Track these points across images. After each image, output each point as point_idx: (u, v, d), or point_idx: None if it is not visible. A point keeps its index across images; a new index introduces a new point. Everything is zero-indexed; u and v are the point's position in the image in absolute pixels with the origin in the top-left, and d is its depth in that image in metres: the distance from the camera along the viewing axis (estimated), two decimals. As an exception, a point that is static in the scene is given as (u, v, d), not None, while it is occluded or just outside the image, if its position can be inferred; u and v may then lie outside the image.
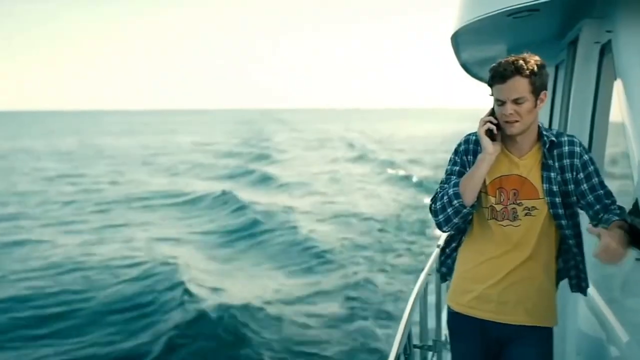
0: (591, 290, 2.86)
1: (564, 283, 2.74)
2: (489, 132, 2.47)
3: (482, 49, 5.12)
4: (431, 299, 4.39)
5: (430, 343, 4.10)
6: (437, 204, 2.57)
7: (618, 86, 2.64)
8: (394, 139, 71.50)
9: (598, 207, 2.43)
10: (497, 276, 2.57)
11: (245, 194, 24.68)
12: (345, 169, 37.18)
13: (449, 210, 2.52)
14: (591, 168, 2.47)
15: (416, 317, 3.85)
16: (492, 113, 2.49)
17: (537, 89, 2.40)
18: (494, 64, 2.44)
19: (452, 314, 2.75)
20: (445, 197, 2.53)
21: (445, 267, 2.83)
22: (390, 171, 35.20)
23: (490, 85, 2.46)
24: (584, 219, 2.61)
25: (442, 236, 4.76)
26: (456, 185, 2.53)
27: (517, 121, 2.40)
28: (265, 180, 31.24)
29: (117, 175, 34.27)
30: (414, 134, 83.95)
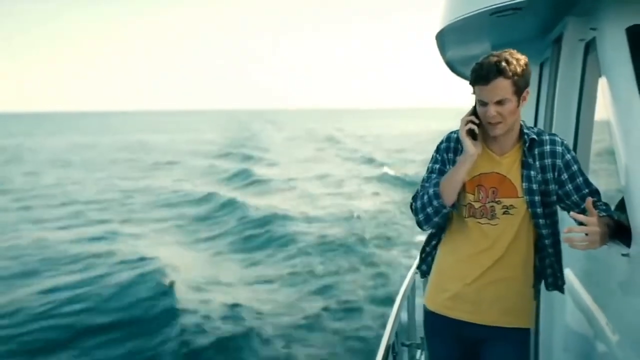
0: (578, 286, 2.87)
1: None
2: (471, 132, 2.45)
3: (467, 48, 5.12)
4: (418, 297, 4.41)
5: (418, 341, 4.10)
6: (418, 203, 2.56)
7: (603, 83, 2.64)
8: (386, 137, 71.78)
9: (584, 206, 2.44)
10: (474, 275, 2.56)
11: (239, 195, 24.66)
12: (336, 167, 37.21)
13: (428, 209, 2.51)
14: (575, 167, 2.47)
15: (404, 315, 3.85)
16: (474, 112, 2.47)
17: (520, 89, 2.38)
18: (476, 64, 2.41)
19: (427, 314, 2.74)
20: (426, 197, 2.52)
21: (426, 265, 2.81)
22: (379, 169, 35.27)
23: (472, 84, 2.43)
24: (561, 218, 2.62)
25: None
26: (437, 185, 2.51)
27: (500, 122, 2.39)
28: (256, 180, 31.20)
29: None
30: (409, 132, 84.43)
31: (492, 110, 2.37)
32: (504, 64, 2.33)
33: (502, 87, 2.34)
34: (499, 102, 2.36)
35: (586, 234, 2.15)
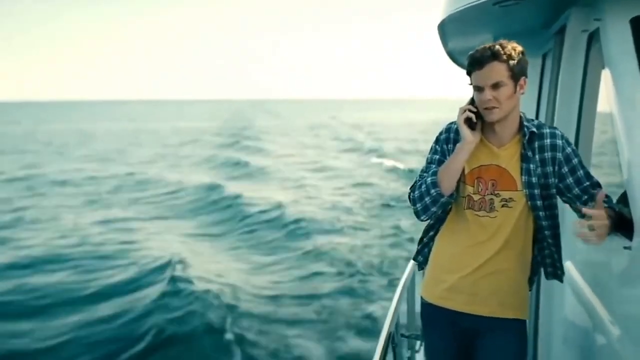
0: (578, 278, 2.87)
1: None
2: (469, 121, 2.45)
3: (469, 38, 5.10)
4: (418, 288, 4.41)
5: (417, 332, 4.11)
6: (416, 193, 2.56)
7: (606, 75, 2.62)
8: (383, 127, 71.93)
9: (586, 197, 2.44)
10: (471, 267, 2.57)
11: (235, 184, 24.67)
12: (331, 157, 37.23)
13: (426, 199, 2.50)
14: (575, 160, 2.46)
15: (403, 307, 3.86)
16: (472, 102, 2.47)
17: (515, 75, 2.38)
18: (471, 52, 2.43)
19: (424, 305, 2.76)
20: (424, 186, 2.52)
21: (422, 256, 2.82)
22: (375, 159, 35.27)
23: (469, 72, 2.44)
24: (561, 209, 2.61)
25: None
26: (434, 174, 2.51)
27: (496, 107, 2.39)
28: (251, 169, 31.25)
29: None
30: (406, 122, 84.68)
31: (488, 94, 2.37)
32: (497, 47, 2.37)
33: (497, 70, 2.36)
34: (495, 86, 2.37)
35: (594, 228, 2.13)
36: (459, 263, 2.60)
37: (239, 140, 49.07)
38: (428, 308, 2.74)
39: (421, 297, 2.78)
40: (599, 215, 2.13)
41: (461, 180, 2.54)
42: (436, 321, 2.71)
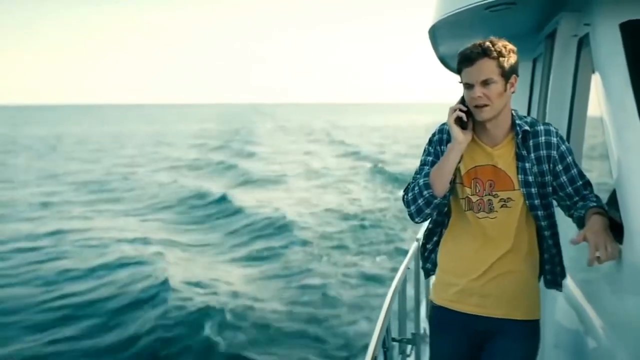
0: (569, 283, 2.87)
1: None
2: (459, 121, 2.42)
3: (460, 43, 5.10)
4: (409, 292, 4.40)
5: (409, 336, 4.10)
6: (409, 195, 2.53)
7: (596, 79, 2.64)
8: (384, 131, 72.21)
9: (576, 198, 2.44)
10: (478, 270, 2.54)
11: (231, 190, 24.63)
12: (326, 161, 37.25)
13: (419, 201, 2.47)
14: (569, 159, 2.45)
15: (395, 311, 3.85)
16: (463, 101, 2.45)
17: (506, 72, 2.36)
18: (461, 49, 2.41)
19: (435, 308, 2.72)
20: (417, 188, 2.49)
21: (430, 263, 2.79)
22: (369, 164, 35.30)
23: (459, 70, 2.42)
24: (558, 210, 2.61)
25: (421, 230, 4.79)
26: (427, 175, 2.48)
27: (486, 105, 2.36)
28: (249, 173, 31.25)
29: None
30: (405, 125, 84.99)
31: (478, 91, 2.34)
32: (488, 43, 2.36)
33: (487, 67, 2.34)
34: (485, 83, 2.34)
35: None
36: (467, 267, 2.57)
37: (241, 145, 49.27)
38: (439, 311, 2.69)
39: (431, 301, 2.74)
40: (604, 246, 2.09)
41: (458, 182, 2.52)
42: (447, 324, 2.67)
